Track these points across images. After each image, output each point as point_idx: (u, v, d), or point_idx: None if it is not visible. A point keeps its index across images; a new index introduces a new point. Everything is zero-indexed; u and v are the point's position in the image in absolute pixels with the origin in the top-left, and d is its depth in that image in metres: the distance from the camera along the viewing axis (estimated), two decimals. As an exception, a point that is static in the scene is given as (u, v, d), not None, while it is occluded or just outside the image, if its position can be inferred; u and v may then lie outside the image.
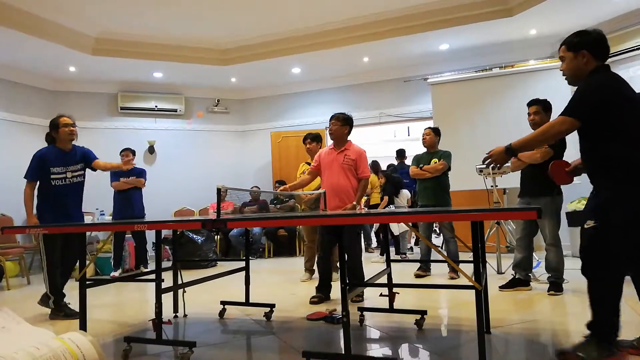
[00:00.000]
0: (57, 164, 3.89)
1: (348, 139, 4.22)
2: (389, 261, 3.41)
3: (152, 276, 2.72)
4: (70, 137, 3.94)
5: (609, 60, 2.43)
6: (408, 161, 7.96)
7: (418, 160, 5.16)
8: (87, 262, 3.09)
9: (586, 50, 2.34)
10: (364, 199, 7.78)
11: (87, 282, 2.96)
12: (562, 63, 2.44)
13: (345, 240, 3.91)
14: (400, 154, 8.41)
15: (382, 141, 12.17)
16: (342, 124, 4.15)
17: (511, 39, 6.90)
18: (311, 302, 3.94)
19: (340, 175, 4.05)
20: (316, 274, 5.29)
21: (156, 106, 8.53)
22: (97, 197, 7.14)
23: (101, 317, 3.77)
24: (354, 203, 4.01)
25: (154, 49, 7.17)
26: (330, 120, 4.21)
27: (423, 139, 5.15)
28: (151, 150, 8.54)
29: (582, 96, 2.25)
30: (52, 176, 3.86)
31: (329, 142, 8.44)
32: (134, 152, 6.60)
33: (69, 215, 3.91)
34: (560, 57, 2.46)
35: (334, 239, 3.96)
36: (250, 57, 7.47)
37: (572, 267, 5.06)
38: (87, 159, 4.06)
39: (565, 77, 2.46)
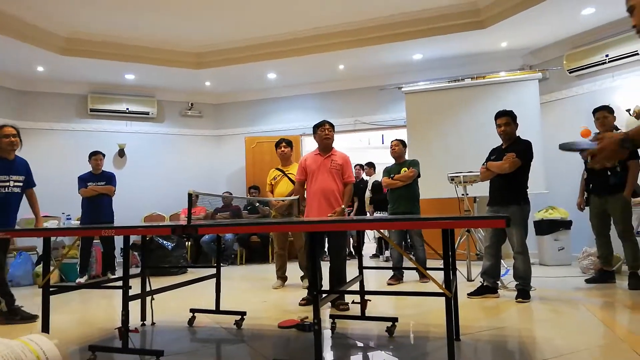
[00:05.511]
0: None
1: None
2: (361, 268, 3.43)
3: (120, 283, 2.65)
4: (10, 147, 3.94)
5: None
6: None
7: (389, 171, 5.33)
8: (52, 267, 2.99)
9: None
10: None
11: (51, 289, 2.87)
12: (632, 15, 1.65)
13: (332, 242, 3.99)
14: (370, 165, 8.46)
15: (357, 149, 12.20)
16: (334, 130, 4.29)
17: (483, 51, 7.06)
18: (300, 304, 4.06)
19: (328, 180, 4.14)
20: (288, 281, 5.29)
21: (127, 109, 8.37)
22: (64, 201, 6.97)
23: (65, 325, 3.64)
24: (343, 207, 4.09)
25: (126, 50, 7.02)
26: (324, 126, 4.23)
27: (392, 149, 5.33)
28: (121, 153, 8.36)
29: None
30: None
31: (304, 148, 8.50)
32: (104, 155, 6.48)
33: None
34: (629, 7, 1.66)
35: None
36: (224, 62, 7.42)
37: (539, 275, 5.21)
38: (28, 180, 4.12)
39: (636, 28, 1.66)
